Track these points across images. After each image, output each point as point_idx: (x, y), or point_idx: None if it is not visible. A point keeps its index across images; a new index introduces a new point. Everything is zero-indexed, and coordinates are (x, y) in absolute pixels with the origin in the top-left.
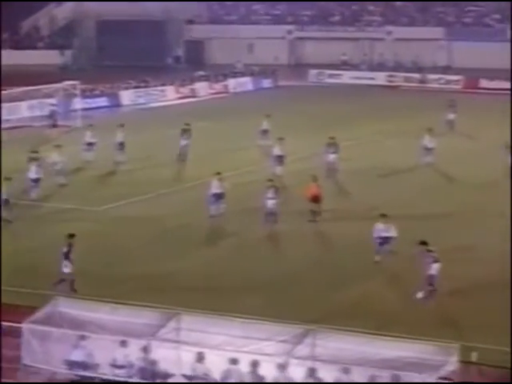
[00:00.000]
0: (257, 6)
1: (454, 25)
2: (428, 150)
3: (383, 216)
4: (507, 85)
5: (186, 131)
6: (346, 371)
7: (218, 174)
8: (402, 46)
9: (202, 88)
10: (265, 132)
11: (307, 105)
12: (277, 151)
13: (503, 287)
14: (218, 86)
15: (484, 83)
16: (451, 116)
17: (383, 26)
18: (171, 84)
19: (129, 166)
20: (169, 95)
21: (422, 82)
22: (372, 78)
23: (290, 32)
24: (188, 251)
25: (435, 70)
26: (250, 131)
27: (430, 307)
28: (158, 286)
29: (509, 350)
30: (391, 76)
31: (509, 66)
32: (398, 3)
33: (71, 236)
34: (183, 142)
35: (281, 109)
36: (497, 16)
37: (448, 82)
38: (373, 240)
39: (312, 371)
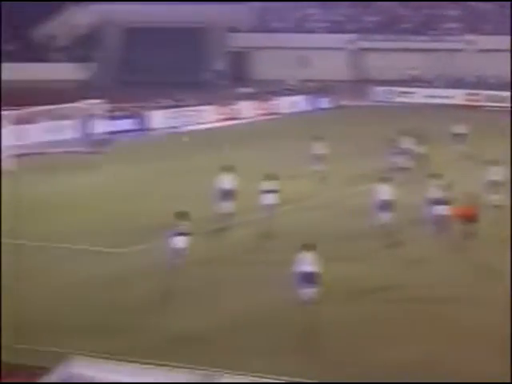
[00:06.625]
0: (312, 10)
1: None
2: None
3: None
4: None
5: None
6: None
7: None
8: (484, 58)
9: (247, 108)
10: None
11: (371, 127)
12: None
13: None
14: (266, 106)
15: None
16: None
17: (462, 35)
18: (210, 103)
19: None
20: (207, 117)
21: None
22: (448, 97)
23: (351, 42)
24: None
25: None
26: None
27: None
28: None
29: None
30: (471, 94)
31: None
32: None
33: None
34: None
35: (340, 133)
36: None
37: None
38: None
39: None
